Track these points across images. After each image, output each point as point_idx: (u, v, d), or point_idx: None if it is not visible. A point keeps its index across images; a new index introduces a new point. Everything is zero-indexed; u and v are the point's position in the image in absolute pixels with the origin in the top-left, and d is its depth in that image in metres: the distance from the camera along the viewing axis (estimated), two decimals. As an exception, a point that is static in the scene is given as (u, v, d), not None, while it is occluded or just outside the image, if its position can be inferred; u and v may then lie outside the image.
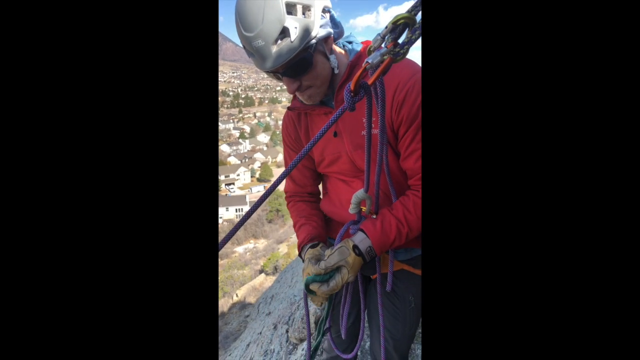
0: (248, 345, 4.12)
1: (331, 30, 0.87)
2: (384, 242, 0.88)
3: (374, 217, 0.93)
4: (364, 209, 0.92)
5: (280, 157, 74.68)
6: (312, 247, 1.00)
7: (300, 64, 0.83)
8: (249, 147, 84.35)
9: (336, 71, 0.89)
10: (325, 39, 0.86)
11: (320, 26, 0.83)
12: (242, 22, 0.79)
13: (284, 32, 0.78)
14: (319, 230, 1.07)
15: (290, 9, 0.78)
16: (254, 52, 0.81)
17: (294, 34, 0.78)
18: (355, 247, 0.89)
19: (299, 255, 1.05)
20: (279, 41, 0.79)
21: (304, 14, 0.79)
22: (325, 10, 0.85)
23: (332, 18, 0.89)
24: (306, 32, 0.79)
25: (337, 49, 0.95)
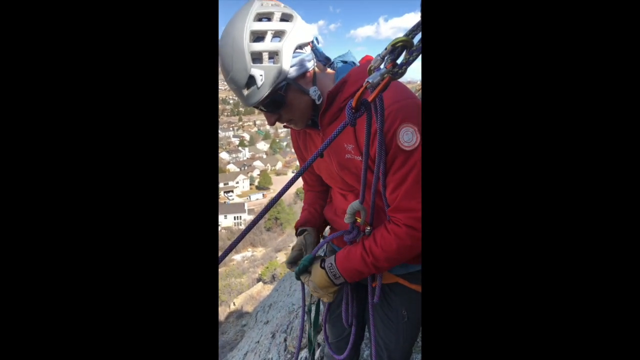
0: (245, 354, 4.08)
1: (309, 66, 0.89)
2: (348, 266, 0.96)
3: (369, 228, 0.97)
4: (358, 219, 0.95)
5: (279, 165, 74.63)
6: (300, 233, 1.18)
7: (272, 104, 0.87)
8: (248, 155, 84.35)
9: (318, 102, 0.91)
10: (303, 74, 0.89)
11: (293, 65, 0.85)
12: (220, 66, 0.85)
13: (252, 79, 0.83)
14: (314, 215, 1.23)
15: (256, 57, 0.82)
16: (233, 91, 0.87)
17: (260, 81, 0.82)
18: (322, 260, 1.01)
19: (296, 234, 1.23)
20: (248, 87, 0.84)
21: (272, 59, 0.83)
22: (302, 46, 0.87)
23: (315, 49, 0.91)
24: (273, 77, 0.83)
25: (328, 72, 0.97)
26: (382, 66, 0.59)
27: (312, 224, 1.21)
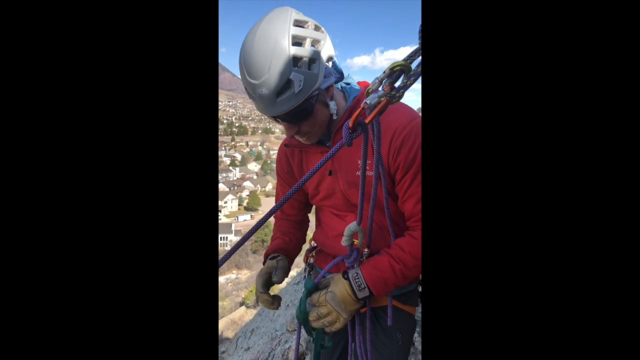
0: (223, 383, 3.88)
1: (333, 79, 0.89)
2: (375, 274, 0.89)
3: (367, 250, 0.94)
4: (356, 241, 0.93)
5: (269, 187, 74.36)
6: (272, 258, 1.07)
7: (301, 113, 0.85)
8: (238, 175, 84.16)
9: (335, 117, 0.92)
10: (327, 88, 0.88)
11: (324, 77, 0.84)
12: (247, 68, 0.80)
13: (289, 84, 0.79)
14: (288, 244, 1.14)
15: (297, 62, 0.79)
16: (257, 98, 0.82)
17: (298, 87, 0.79)
18: (345, 272, 0.92)
19: (264, 263, 1.11)
20: (283, 92, 0.80)
21: (309, 67, 0.81)
22: (329, 59, 0.87)
23: (334, 65, 0.92)
24: (310, 84, 0.81)
25: (336, 91, 0.97)
26: (380, 89, 0.60)
27: (285, 252, 1.12)
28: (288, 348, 3.01)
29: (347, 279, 0.90)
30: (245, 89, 0.85)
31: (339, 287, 0.90)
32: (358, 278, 0.89)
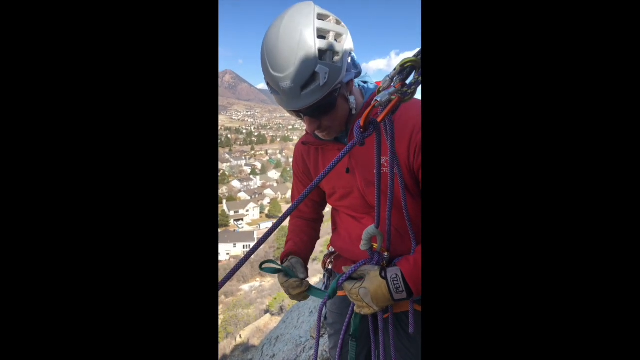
0: (250, 390, 3.89)
1: (353, 74, 0.89)
2: (418, 276, 0.85)
3: (386, 254, 0.92)
4: (375, 245, 0.91)
5: (289, 194, 74.61)
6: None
7: (323, 106, 0.84)
8: (259, 183, 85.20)
9: (354, 112, 0.92)
10: (348, 82, 0.89)
11: (347, 70, 0.85)
12: (271, 62, 0.80)
13: (314, 77, 0.79)
14: (299, 246, 1.16)
15: (322, 55, 0.79)
16: (280, 91, 0.82)
17: (323, 79, 0.79)
18: (382, 269, 0.88)
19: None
20: (308, 85, 0.80)
21: (333, 59, 0.81)
22: (350, 52, 0.87)
23: (352, 60, 0.91)
24: (334, 77, 0.81)
25: (354, 88, 0.97)
26: (391, 86, 0.59)
27: (297, 254, 1.13)
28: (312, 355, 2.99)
29: (385, 278, 0.86)
30: (268, 84, 0.85)
31: (374, 285, 0.86)
32: (397, 280, 0.85)
